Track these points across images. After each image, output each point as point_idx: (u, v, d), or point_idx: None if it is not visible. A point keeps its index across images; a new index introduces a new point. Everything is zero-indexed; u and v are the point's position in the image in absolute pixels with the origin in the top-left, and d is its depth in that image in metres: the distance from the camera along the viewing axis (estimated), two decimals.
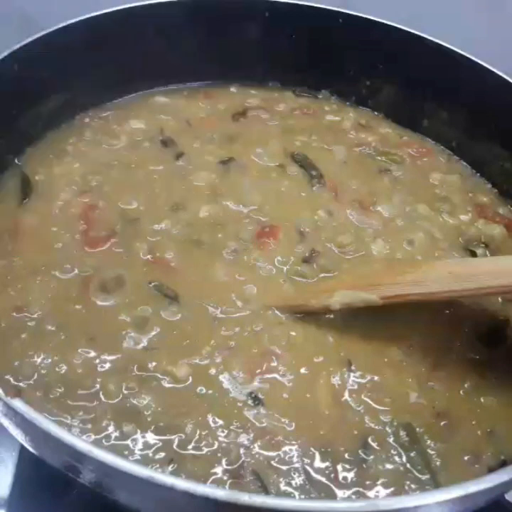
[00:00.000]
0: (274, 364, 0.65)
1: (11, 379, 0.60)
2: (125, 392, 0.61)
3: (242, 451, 0.58)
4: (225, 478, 0.56)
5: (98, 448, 0.43)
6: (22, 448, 0.72)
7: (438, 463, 0.60)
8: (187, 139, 0.92)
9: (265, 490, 0.55)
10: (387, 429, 0.62)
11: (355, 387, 0.65)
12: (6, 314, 0.67)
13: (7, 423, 0.53)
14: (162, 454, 0.57)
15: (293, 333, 0.69)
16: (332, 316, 0.70)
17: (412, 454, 0.60)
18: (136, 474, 0.43)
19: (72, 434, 0.44)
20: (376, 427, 0.62)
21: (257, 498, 0.43)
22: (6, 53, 0.80)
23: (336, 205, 0.85)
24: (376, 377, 0.66)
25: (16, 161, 0.85)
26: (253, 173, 0.88)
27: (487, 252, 0.83)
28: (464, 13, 1.18)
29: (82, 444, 0.43)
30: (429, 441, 0.61)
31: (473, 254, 0.82)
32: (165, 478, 0.43)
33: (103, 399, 0.60)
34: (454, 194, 0.90)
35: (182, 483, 0.42)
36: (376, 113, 1.04)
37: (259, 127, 0.98)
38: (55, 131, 0.90)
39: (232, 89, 1.04)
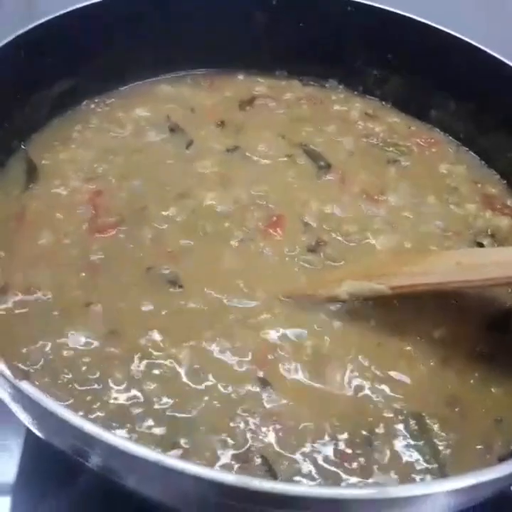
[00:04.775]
0: (282, 352, 0.65)
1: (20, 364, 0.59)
2: (131, 378, 0.61)
3: (249, 435, 0.58)
4: (233, 462, 0.56)
5: (107, 430, 0.43)
6: (27, 435, 0.72)
7: (447, 452, 0.60)
8: (193, 127, 0.91)
9: (273, 475, 0.55)
10: (398, 417, 0.61)
11: (365, 375, 0.64)
12: (13, 300, 0.66)
13: (15, 407, 0.52)
14: (168, 438, 0.57)
15: (301, 322, 0.68)
16: (339, 305, 0.70)
17: (420, 443, 0.60)
18: (145, 457, 0.43)
19: (81, 416, 0.43)
20: (386, 415, 0.61)
21: (267, 483, 0.42)
22: (11, 38, 0.79)
23: (343, 195, 0.85)
24: (385, 367, 0.65)
25: (22, 146, 0.84)
26: (260, 162, 0.88)
27: (494, 244, 0.82)
28: (476, 2, 1.17)
29: (91, 426, 0.43)
30: (439, 431, 0.61)
31: (481, 246, 0.82)
32: (175, 462, 0.42)
33: (111, 384, 0.60)
34: (462, 185, 0.90)
35: (192, 468, 0.42)
36: (383, 103, 1.03)
37: (266, 116, 0.97)
38: (60, 118, 0.90)
39: (240, 77, 1.03)
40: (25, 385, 0.46)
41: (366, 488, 0.48)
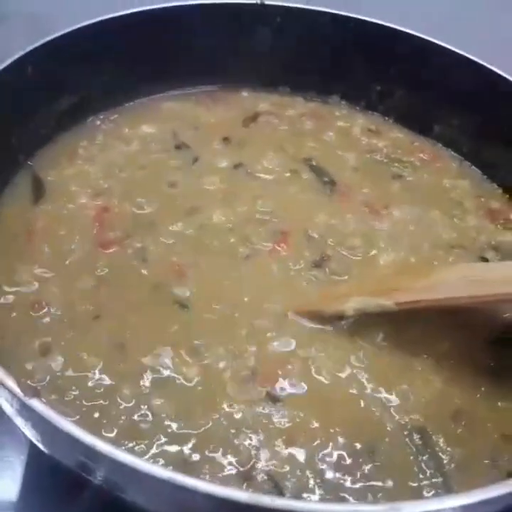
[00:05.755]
0: (291, 367, 0.65)
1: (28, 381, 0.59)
2: (139, 394, 0.61)
3: (253, 452, 0.58)
4: (238, 479, 0.56)
5: (118, 448, 0.43)
6: (30, 452, 0.72)
7: (452, 466, 0.60)
8: (198, 144, 0.92)
9: (280, 491, 0.55)
10: (403, 432, 0.61)
11: (370, 390, 0.65)
12: (21, 315, 0.67)
13: (21, 422, 0.52)
14: (176, 455, 0.57)
15: (308, 338, 0.68)
16: (345, 322, 0.70)
17: (425, 457, 0.60)
18: (155, 475, 0.43)
19: (92, 434, 0.43)
20: (390, 429, 0.62)
21: (279, 500, 0.42)
22: (18, 55, 0.80)
23: (347, 210, 0.85)
24: (391, 382, 0.65)
25: (29, 162, 0.85)
26: (264, 178, 0.88)
27: (499, 258, 0.82)
28: (475, 17, 1.18)
29: (102, 444, 0.43)
30: (444, 445, 0.61)
31: (485, 261, 0.82)
32: (186, 480, 0.42)
33: (119, 401, 0.60)
34: (465, 199, 0.90)
35: (204, 486, 0.42)
36: (386, 118, 1.04)
37: (269, 132, 0.98)
38: (66, 134, 0.90)
39: (244, 93, 1.04)
40: (35, 403, 0.46)
41: (377, 504, 0.47)
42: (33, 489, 0.71)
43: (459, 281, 0.69)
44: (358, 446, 0.60)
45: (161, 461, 0.56)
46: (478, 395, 0.66)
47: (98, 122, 0.94)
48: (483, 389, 0.67)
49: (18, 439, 0.72)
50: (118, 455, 0.42)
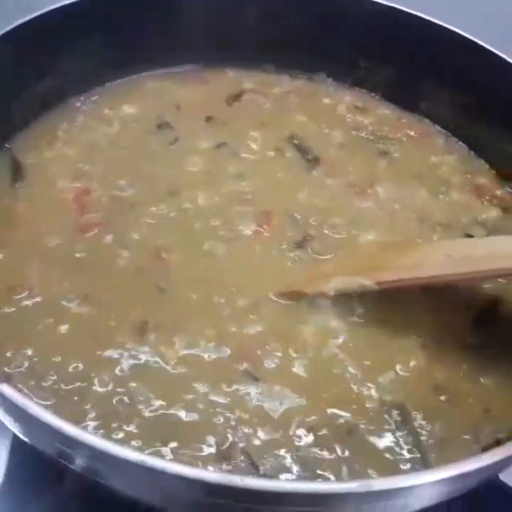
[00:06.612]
0: (270, 348, 0.65)
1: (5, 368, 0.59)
2: (117, 378, 0.61)
3: (231, 431, 0.58)
4: (216, 459, 0.56)
5: (87, 432, 0.43)
6: (15, 436, 0.72)
7: (431, 442, 0.60)
8: (180, 124, 0.91)
9: (256, 470, 0.55)
10: (382, 407, 0.61)
11: (351, 367, 0.64)
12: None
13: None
14: (154, 437, 0.57)
15: (290, 319, 0.68)
16: (328, 302, 0.69)
17: (403, 433, 0.60)
18: (126, 458, 0.42)
19: (60, 418, 0.43)
20: (369, 406, 0.62)
21: (250, 480, 0.42)
22: None
23: (332, 188, 0.84)
24: (372, 360, 0.65)
25: (7, 145, 0.84)
26: (248, 158, 0.87)
27: (485, 234, 0.81)
28: None
29: (71, 428, 0.43)
30: (423, 421, 0.61)
31: (471, 237, 0.81)
32: (156, 461, 0.42)
33: (97, 384, 0.60)
34: (452, 176, 0.89)
35: (173, 467, 0.42)
36: (373, 94, 1.02)
37: (254, 111, 0.96)
38: (46, 116, 0.89)
39: (228, 71, 1.02)
40: (5, 388, 0.45)
41: (347, 482, 0.48)
42: (18, 474, 0.71)
43: (442, 259, 0.68)
44: (337, 422, 0.60)
45: (139, 443, 0.56)
46: (461, 372, 0.66)
47: (78, 103, 0.92)
48: (465, 366, 0.66)
49: (1, 424, 0.72)
50: (86, 438, 0.42)
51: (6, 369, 0.58)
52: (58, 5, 0.85)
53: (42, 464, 0.63)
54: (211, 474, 0.42)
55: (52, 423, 0.44)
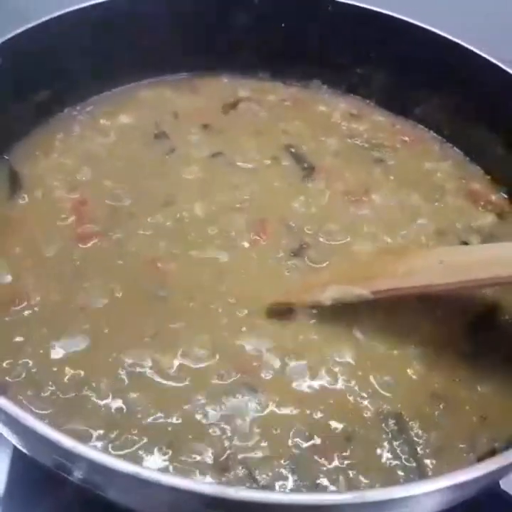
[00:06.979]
0: (267, 359, 0.65)
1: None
2: (115, 388, 0.61)
3: (228, 442, 0.58)
4: (214, 470, 0.56)
5: (83, 444, 0.43)
6: (16, 446, 0.72)
7: (427, 451, 0.60)
8: (177, 133, 0.91)
9: (254, 481, 0.55)
10: (379, 417, 0.62)
11: (347, 377, 0.65)
12: None
13: None
14: (151, 448, 0.57)
15: (286, 328, 0.68)
16: (324, 311, 0.69)
17: (399, 443, 0.60)
18: (121, 470, 0.43)
19: (56, 430, 0.43)
20: (366, 415, 0.62)
21: (244, 492, 0.42)
22: None
23: (327, 196, 0.84)
24: (368, 369, 0.65)
25: (5, 156, 0.84)
26: (244, 166, 0.87)
27: (480, 240, 0.82)
28: None
29: (67, 440, 0.43)
30: (420, 430, 0.61)
31: (466, 244, 0.81)
32: (151, 473, 0.42)
33: (95, 394, 0.60)
34: (447, 181, 0.90)
35: (168, 479, 0.42)
36: (367, 101, 1.03)
37: (250, 119, 0.97)
38: (42, 126, 0.89)
39: (223, 79, 1.03)
40: (1, 400, 0.46)
41: (341, 493, 0.48)
42: (19, 484, 0.71)
43: (437, 267, 0.68)
44: (334, 432, 0.60)
45: (137, 453, 0.57)
46: (458, 380, 0.66)
47: (75, 113, 0.93)
48: (462, 374, 0.67)
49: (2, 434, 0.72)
50: (82, 450, 0.42)
51: (7, 378, 0.58)
52: (54, 15, 0.85)
53: (43, 473, 0.62)
54: (205, 486, 0.42)
55: (49, 435, 0.44)
